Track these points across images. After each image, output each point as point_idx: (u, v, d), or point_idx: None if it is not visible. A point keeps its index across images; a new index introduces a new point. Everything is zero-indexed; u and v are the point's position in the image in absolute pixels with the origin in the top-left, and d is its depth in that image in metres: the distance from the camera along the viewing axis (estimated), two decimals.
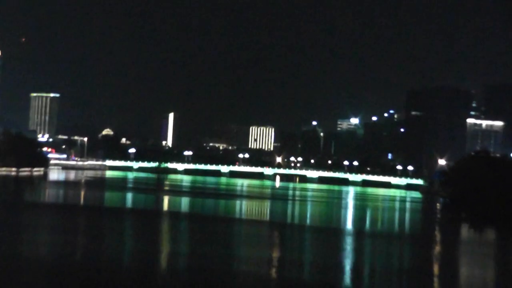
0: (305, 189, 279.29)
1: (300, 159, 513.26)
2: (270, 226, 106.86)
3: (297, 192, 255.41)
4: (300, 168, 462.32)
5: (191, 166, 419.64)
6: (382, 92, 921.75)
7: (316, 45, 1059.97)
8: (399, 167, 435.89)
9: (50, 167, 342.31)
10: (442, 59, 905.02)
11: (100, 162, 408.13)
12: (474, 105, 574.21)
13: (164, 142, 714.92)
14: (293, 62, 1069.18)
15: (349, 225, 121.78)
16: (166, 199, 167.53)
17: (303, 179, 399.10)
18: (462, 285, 62.73)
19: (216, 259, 65.97)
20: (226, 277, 56.83)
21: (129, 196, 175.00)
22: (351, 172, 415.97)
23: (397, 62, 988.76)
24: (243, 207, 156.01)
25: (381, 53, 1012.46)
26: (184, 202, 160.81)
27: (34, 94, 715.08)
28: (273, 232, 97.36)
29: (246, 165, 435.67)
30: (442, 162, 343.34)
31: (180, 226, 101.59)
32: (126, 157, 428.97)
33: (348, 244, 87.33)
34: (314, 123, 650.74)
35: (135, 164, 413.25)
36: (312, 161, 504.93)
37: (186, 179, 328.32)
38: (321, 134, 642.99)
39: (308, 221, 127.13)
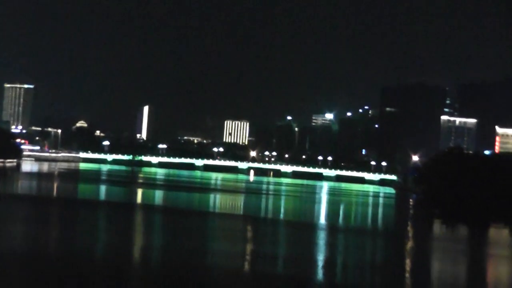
0: (279, 184, 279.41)
1: (274, 153, 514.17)
2: (243, 220, 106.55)
3: (271, 187, 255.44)
4: (275, 162, 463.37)
5: (165, 159, 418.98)
6: (357, 88, 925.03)
7: (291, 40, 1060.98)
8: (373, 162, 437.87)
9: (23, 158, 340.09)
10: (416, 56, 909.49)
11: (73, 154, 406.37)
12: (448, 102, 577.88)
13: (138, 135, 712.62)
14: (268, 56, 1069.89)
15: (321, 219, 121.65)
16: (139, 192, 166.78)
17: (277, 173, 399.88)
18: (432, 280, 62.70)
19: (188, 253, 65.44)
20: (199, 271, 56.34)
21: (102, 188, 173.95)
22: (325, 167, 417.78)
23: (372, 58, 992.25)
24: (216, 200, 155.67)
25: (356, 49, 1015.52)
26: (158, 195, 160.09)
27: (8, 85, 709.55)
28: (246, 226, 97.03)
29: (221, 159, 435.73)
30: (415, 158, 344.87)
31: (152, 219, 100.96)
32: (100, 149, 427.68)
33: (320, 238, 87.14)
34: (289, 118, 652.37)
35: (109, 157, 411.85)
36: (287, 155, 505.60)
37: (160, 172, 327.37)
38: (296, 129, 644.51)
39: (281, 215, 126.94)
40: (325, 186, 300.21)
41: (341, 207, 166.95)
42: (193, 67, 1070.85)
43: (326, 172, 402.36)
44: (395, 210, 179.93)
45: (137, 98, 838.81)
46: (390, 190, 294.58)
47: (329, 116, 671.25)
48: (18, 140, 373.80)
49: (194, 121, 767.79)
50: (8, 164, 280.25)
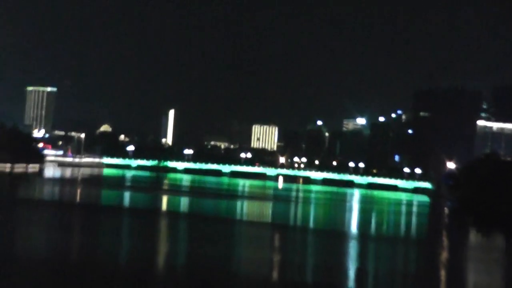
0: (309, 191, 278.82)
1: (304, 159, 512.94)
2: (271, 228, 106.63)
3: (300, 194, 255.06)
4: (304, 169, 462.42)
5: (191, 165, 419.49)
6: (389, 92, 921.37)
7: (322, 43, 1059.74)
8: (406, 169, 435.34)
9: (46, 163, 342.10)
10: (451, 59, 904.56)
11: (97, 160, 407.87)
12: (484, 106, 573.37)
13: (164, 140, 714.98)
14: (298, 59, 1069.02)
15: (353, 228, 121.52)
16: (164, 199, 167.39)
17: (307, 180, 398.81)
18: None
19: (215, 260, 65.73)
20: (226, 279, 56.63)
21: (127, 195, 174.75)
22: (356, 174, 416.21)
23: (405, 61, 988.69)
24: (244, 208, 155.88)
25: (389, 52, 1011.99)
26: (183, 202, 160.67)
27: (31, 88, 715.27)
28: (275, 234, 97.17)
29: (249, 165, 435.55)
30: (450, 165, 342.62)
31: (177, 226, 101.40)
32: (125, 154, 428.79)
33: (351, 247, 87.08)
34: (319, 122, 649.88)
35: (134, 162, 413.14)
36: (317, 161, 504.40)
37: (186, 178, 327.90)
38: (326, 134, 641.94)
39: (311, 223, 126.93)
40: (357, 193, 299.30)
41: (373, 216, 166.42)
42: (221, 71, 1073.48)
43: (358, 179, 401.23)
44: (429, 219, 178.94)
45: (163, 102, 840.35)
46: (424, 198, 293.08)
47: (361, 120, 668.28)
48: (40, 145, 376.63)
49: (221, 126, 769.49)
50: (30, 169, 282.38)
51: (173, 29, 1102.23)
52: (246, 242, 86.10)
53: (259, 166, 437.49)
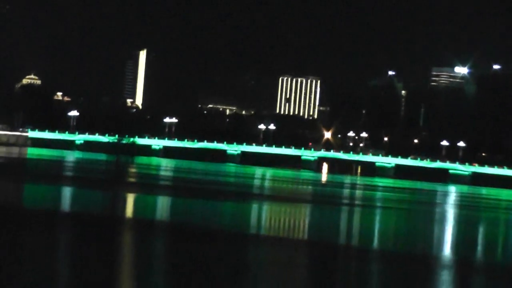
0: (372, 187, 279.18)
1: (364, 134, 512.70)
2: (309, 250, 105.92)
3: (358, 192, 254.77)
4: (364, 150, 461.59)
5: (175, 143, 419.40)
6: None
7: None
8: None
9: None
10: None
11: (17, 133, 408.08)
12: None
13: (129, 101, 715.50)
14: None
15: (446, 251, 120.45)
16: (129, 199, 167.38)
17: (369, 169, 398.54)
18: None
19: None
20: None
21: (66, 192, 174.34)
22: (452, 160, 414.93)
23: None
24: (262, 215, 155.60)
25: None
26: (161, 205, 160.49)
27: None
28: (316, 259, 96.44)
29: (271, 144, 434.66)
30: None
31: (149, 243, 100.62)
32: (64, 124, 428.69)
33: (447, 283, 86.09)
34: (391, 73, 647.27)
35: (79, 137, 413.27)
36: (386, 138, 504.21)
37: (166, 165, 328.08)
38: (402, 92, 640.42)
39: (375, 242, 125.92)
40: (453, 192, 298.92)
41: (481, 231, 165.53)
42: None
43: (455, 167, 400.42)
44: None
45: (128, 39, 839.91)
46: None
47: (461, 70, 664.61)
48: None
49: (225, 80, 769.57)
50: None
51: None
52: (272, 270, 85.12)
53: (314, 150, 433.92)
